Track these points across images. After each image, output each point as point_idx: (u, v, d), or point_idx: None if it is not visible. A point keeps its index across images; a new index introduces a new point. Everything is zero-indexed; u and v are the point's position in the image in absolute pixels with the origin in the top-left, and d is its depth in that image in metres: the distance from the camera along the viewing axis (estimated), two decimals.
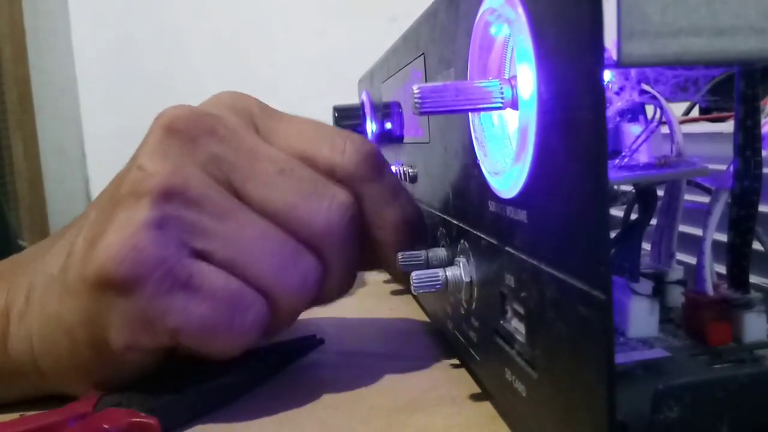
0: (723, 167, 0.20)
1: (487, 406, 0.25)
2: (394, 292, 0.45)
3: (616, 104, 0.20)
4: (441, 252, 0.29)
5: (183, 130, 0.26)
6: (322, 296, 0.29)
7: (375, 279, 0.47)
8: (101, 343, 0.25)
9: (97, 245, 0.24)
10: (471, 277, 0.25)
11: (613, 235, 0.22)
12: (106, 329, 0.25)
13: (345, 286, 0.30)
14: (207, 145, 0.26)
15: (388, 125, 0.42)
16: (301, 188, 0.27)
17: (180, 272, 0.24)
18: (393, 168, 0.41)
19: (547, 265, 0.17)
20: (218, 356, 0.26)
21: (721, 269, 0.21)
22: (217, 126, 0.26)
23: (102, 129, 1.60)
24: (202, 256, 0.25)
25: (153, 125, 0.27)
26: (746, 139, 0.18)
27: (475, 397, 0.26)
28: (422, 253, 0.30)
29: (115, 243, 0.24)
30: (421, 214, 0.31)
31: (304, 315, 0.29)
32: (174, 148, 0.26)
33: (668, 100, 0.20)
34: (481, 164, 0.22)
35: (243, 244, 0.25)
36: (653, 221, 0.23)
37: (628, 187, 0.24)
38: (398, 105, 0.40)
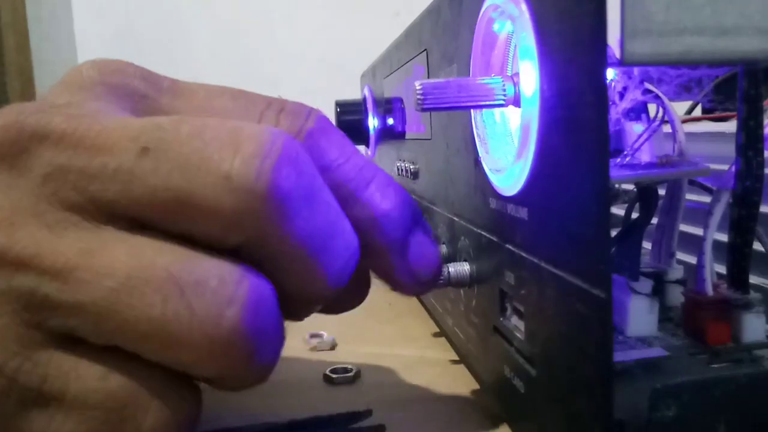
0: (725, 167, 0.20)
1: (485, 403, 0.25)
2: None
3: (620, 105, 0.19)
4: (441, 249, 0.29)
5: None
6: None
7: (373, 275, 0.47)
8: None
9: None
10: (471, 274, 0.25)
11: (613, 233, 0.22)
12: None
13: None
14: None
15: (390, 121, 0.42)
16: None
17: None
18: (397, 164, 0.41)
19: (547, 263, 0.17)
20: None
21: (721, 269, 0.21)
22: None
23: None
24: None
25: None
26: (748, 139, 0.18)
27: (473, 394, 0.26)
28: None
29: None
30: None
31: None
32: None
33: (671, 100, 0.20)
34: (482, 161, 0.22)
35: None
36: (654, 220, 0.23)
37: (629, 186, 0.24)
38: (400, 100, 0.40)
